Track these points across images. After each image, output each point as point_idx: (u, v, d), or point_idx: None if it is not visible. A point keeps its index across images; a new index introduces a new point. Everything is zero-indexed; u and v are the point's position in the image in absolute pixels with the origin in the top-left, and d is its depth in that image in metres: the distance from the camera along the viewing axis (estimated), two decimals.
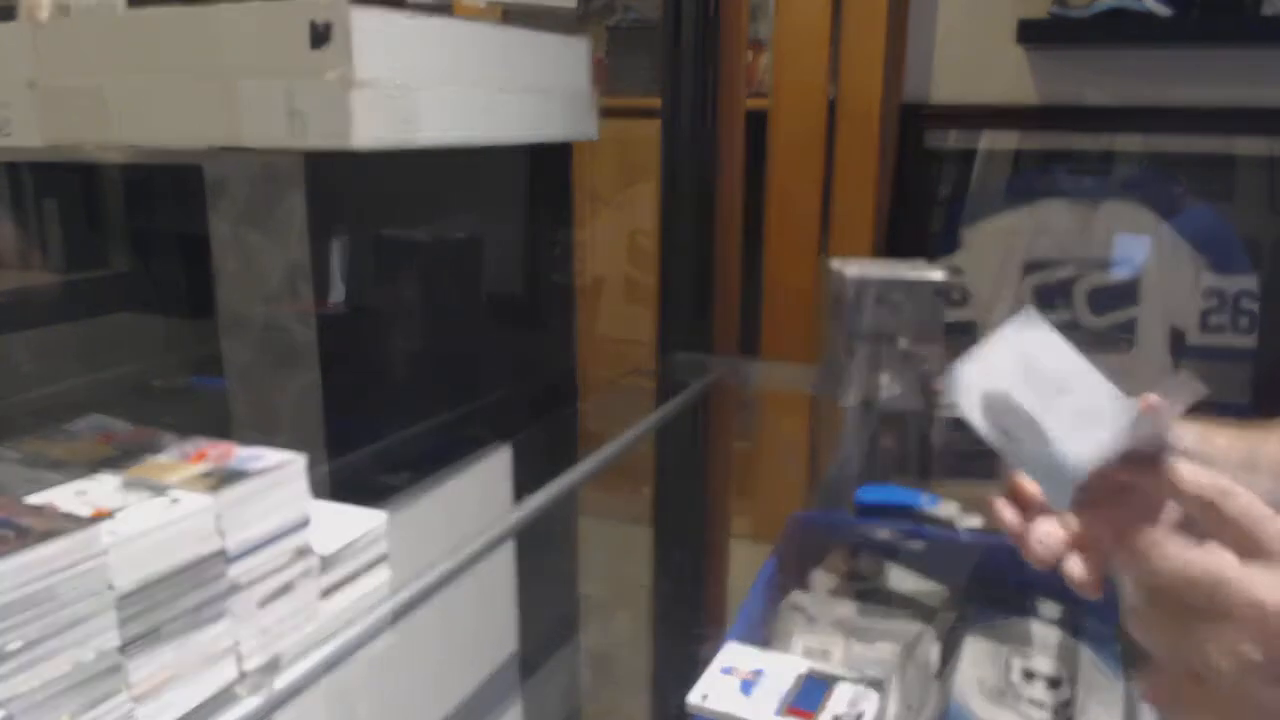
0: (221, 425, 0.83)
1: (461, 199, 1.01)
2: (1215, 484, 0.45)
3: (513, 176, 1.09)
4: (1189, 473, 0.46)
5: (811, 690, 0.75)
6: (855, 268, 1.03)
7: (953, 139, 1.87)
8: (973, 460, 1.02)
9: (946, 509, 0.96)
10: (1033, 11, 1.68)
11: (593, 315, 2.14)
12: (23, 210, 1.03)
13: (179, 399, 0.97)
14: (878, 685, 0.75)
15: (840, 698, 0.74)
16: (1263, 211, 1.69)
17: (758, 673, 0.77)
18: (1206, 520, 0.45)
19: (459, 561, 0.72)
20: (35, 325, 0.99)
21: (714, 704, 0.74)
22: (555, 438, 1.15)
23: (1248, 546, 0.43)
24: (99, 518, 0.50)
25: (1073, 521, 0.51)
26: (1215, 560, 0.43)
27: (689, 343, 1.35)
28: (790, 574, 1.03)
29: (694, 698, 0.75)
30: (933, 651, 0.84)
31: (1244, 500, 0.44)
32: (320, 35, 0.66)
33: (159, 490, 0.55)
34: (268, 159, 0.77)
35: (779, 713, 0.72)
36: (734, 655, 0.80)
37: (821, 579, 1.00)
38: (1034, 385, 0.50)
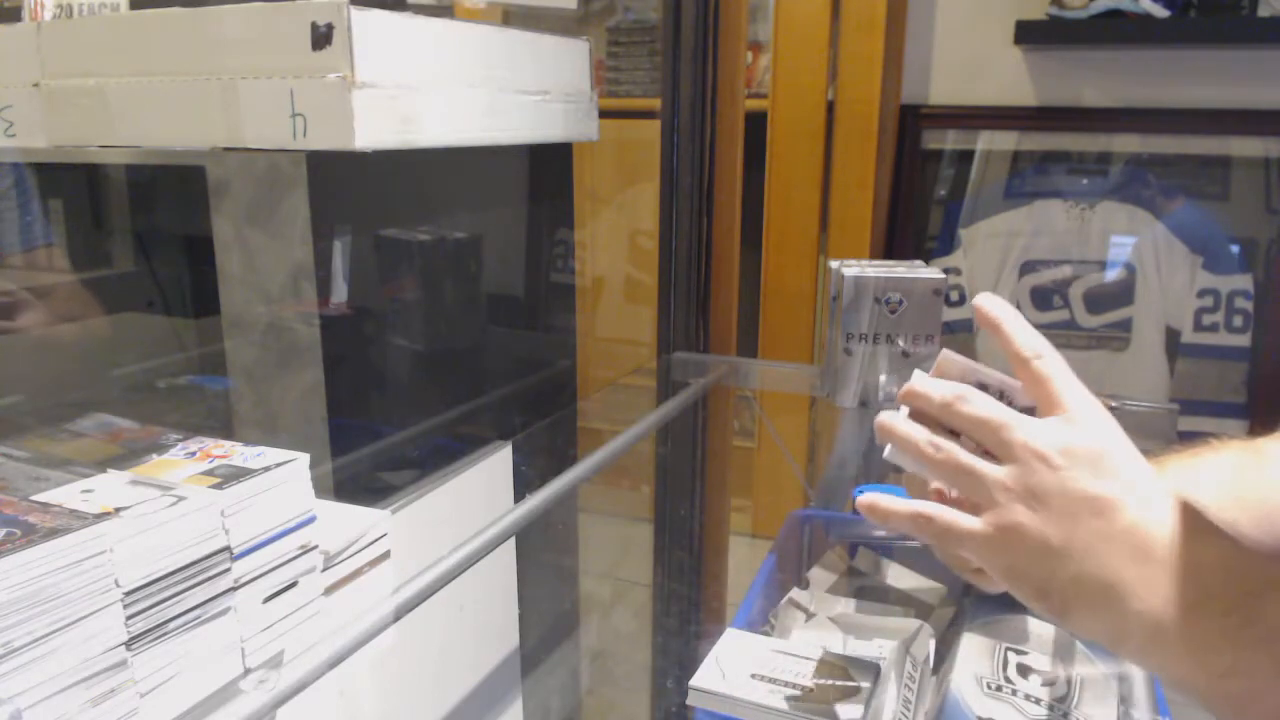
0: (225, 424, 0.84)
1: (462, 200, 1.02)
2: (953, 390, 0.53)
3: (513, 177, 1.10)
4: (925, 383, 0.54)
5: None
6: (854, 268, 1.04)
7: (951, 139, 1.87)
8: None
9: None
10: (1030, 13, 1.69)
11: (593, 315, 2.14)
12: (27, 210, 1.04)
13: (183, 398, 0.97)
14: (875, 678, 0.76)
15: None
16: (1258, 211, 1.70)
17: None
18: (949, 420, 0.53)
19: (461, 559, 0.73)
20: (40, 325, 0.99)
21: (716, 688, 0.75)
22: (555, 437, 1.16)
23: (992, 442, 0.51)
24: (105, 515, 0.51)
25: None
26: (1005, 410, 0.51)
27: (688, 343, 1.36)
28: (789, 571, 1.03)
29: (696, 683, 0.76)
30: (930, 648, 0.84)
31: (980, 402, 0.52)
32: (321, 37, 0.67)
33: (164, 488, 0.56)
34: (270, 160, 0.78)
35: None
36: (735, 641, 0.81)
37: (820, 576, 1.01)
38: None
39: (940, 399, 0.52)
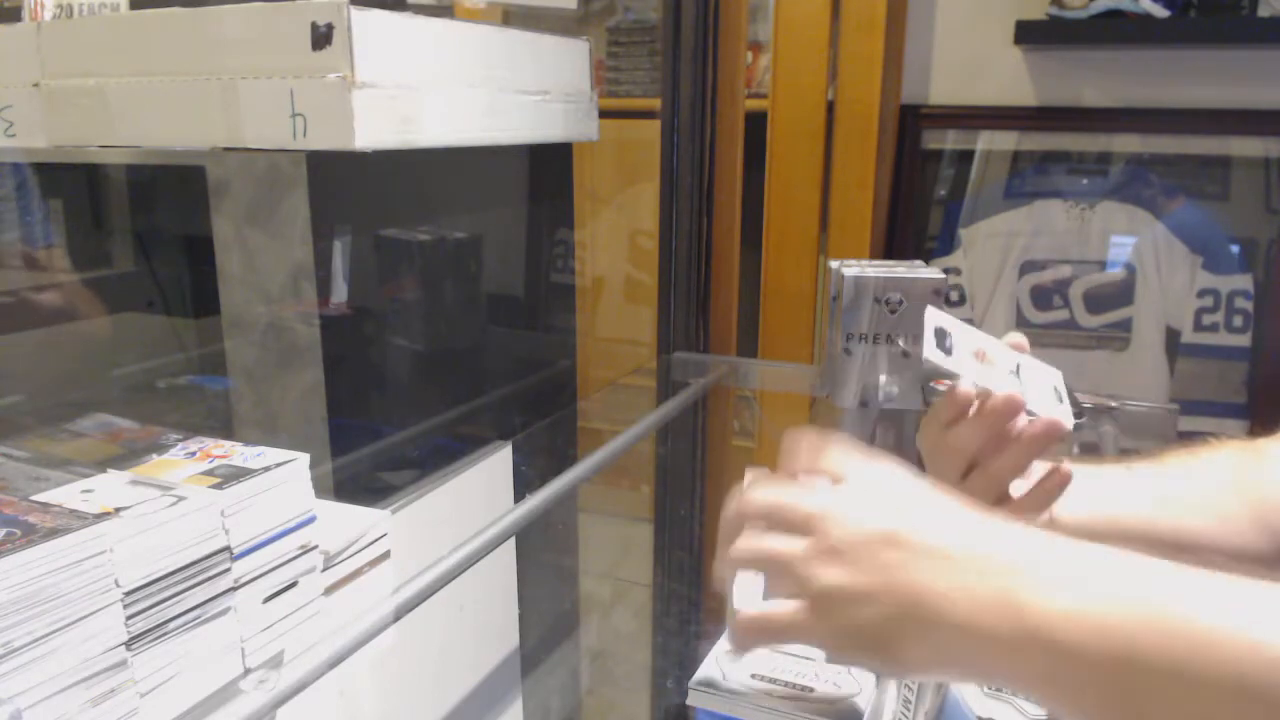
0: (225, 424, 0.84)
1: (462, 200, 1.02)
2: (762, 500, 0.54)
3: (513, 177, 1.10)
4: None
5: None
6: (854, 268, 1.04)
7: (951, 139, 1.87)
8: None
9: None
10: (1030, 12, 1.69)
11: (593, 315, 2.14)
12: (27, 210, 1.04)
13: (183, 398, 0.97)
14: (875, 678, 0.76)
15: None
16: (1258, 211, 1.70)
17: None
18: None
19: (461, 559, 0.73)
20: (39, 325, 1.00)
21: (716, 688, 0.75)
22: (555, 437, 1.16)
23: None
24: (105, 515, 0.51)
25: None
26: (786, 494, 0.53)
27: (688, 343, 1.36)
28: None
29: (696, 683, 0.76)
30: None
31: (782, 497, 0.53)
32: (321, 37, 0.67)
33: (164, 488, 0.56)
34: (270, 160, 0.78)
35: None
36: None
37: None
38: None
39: (739, 512, 0.55)
